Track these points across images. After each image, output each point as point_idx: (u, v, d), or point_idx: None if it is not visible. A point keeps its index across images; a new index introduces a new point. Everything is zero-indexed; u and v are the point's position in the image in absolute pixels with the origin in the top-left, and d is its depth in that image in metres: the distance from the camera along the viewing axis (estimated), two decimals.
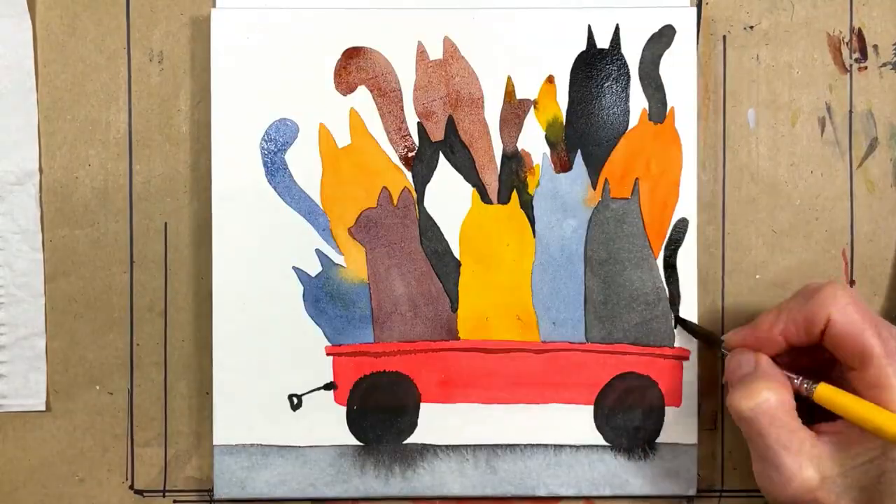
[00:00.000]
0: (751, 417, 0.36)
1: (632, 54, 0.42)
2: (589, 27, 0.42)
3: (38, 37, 0.43)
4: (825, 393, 0.36)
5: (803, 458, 0.36)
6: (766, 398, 0.36)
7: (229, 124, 0.42)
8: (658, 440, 0.43)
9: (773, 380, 0.37)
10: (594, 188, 0.43)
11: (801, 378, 0.38)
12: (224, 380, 0.42)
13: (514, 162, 0.43)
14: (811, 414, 0.37)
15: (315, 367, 0.42)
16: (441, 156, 0.43)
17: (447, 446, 0.43)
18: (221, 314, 0.42)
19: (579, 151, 0.43)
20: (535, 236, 0.43)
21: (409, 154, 0.43)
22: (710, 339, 0.42)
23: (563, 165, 0.43)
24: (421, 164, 0.43)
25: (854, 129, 0.44)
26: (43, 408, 0.43)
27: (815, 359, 0.39)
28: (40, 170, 0.43)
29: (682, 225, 0.43)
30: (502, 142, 0.43)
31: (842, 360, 0.37)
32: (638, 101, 0.43)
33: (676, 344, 0.43)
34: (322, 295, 0.42)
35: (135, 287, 0.43)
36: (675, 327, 0.43)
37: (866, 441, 0.36)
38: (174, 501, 0.44)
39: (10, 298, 0.43)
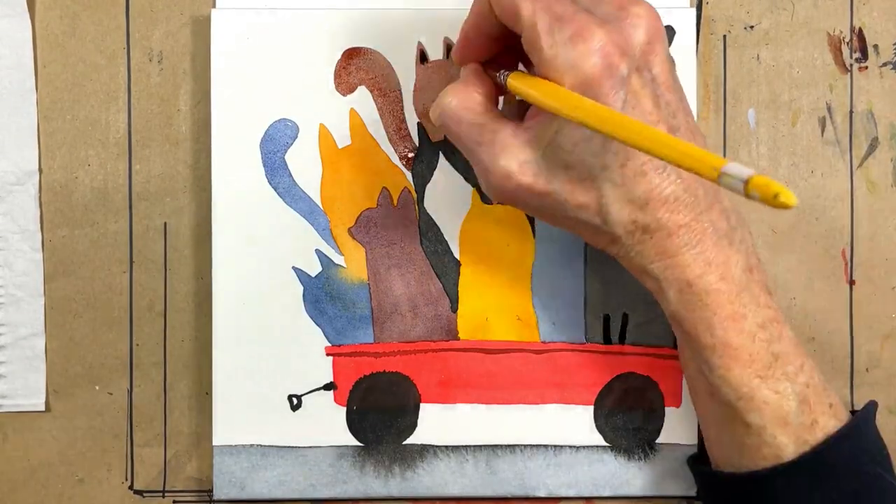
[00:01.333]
0: (441, 124, 0.36)
1: None
2: None
3: (38, 37, 0.43)
4: (514, 80, 0.34)
5: (496, 149, 0.34)
6: (450, 101, 0.35)
7: (229, 124, 0.42)
8: (658, 440, 0.43)
9: (461, 84, 0.36)
10: None
11: (501, 72, 0.36)
12: (224, 380, 0.42)
13: None
14: None
15: (315, 367, 0.42)
16: (441, 156, 0.43)
17: (447, 447, 0.43)
18: (221, 314, 0.42)
19: None
20: (535, 236, 0.43)
21: (409, 154, 0.43)
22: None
23: None
24: (421, 164, 0.43)
25: (854, 129, 0.44)
26: (43, 408, 0.43)
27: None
28: (40, 170, 0.43)
29: None
30: None
31: (512, 28, 0.34)
32: None
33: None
34: (322, 295, 0.42)
35: (135, 287, 0.43)
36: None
37: (553, 115, 0.33)
38: (174, 502, 0.44)
39: (9, 298, 0.43)
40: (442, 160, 0.43)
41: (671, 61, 0.35)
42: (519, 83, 0.34)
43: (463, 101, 0.35)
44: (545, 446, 0.43)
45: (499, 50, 0.37)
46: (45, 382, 0.43)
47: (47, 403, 0.43)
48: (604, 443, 0.43)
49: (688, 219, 0.34)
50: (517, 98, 0.36)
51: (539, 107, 0.33)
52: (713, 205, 0.35)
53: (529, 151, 0.34)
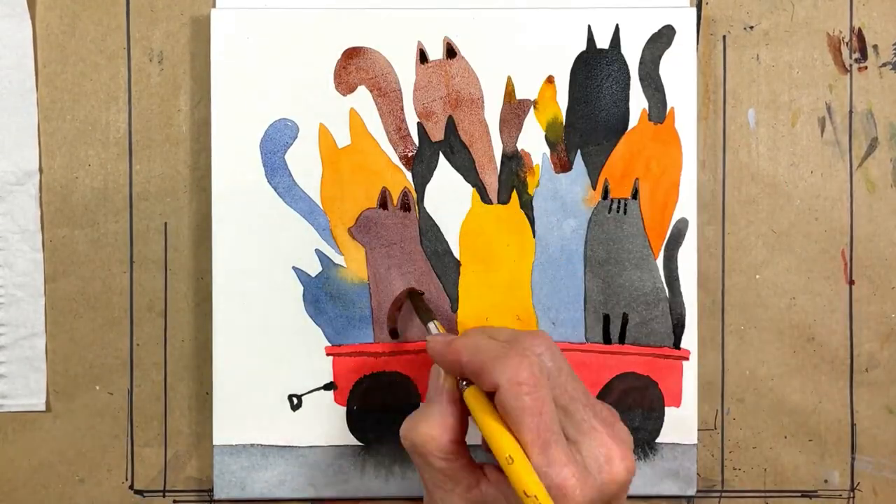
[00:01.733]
0: (408, 450, 0.36)
1: (632, 54, 0.42)
2: (589, 27, 0.42)
3: (38, 37, 0.43)
4: (469, 397, 0.35)
5: (450, 498, 0.35)
6: (423, 442, 0.36)
7: (229, 124, 0.42)
8: (658, 440, 0.43)
9: (439, 419, 0.36)
10: (594, 188, 0.43)
11: (463, 380, 0.36)
12: (224, 380, 0.42)
13: (514, 162, 0.43)
14: None
15: (315, 367, 0.42)
16: (441, 156, 0.43)
17: None
18: (221, 314, 0.42)
19: (579, 151, 0.43)
20: (535, 236, 0.43)
21: (409, 154, 0.43)
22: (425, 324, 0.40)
23: (563, 165, 0.43)
24: (421, 165, 0.43)
25: (854, 129, 0.44)
26: (43, 408, 0.43)
27: None
28: (40, 170, 0.43)
29: (682, 225, 0.43)
30: (502, 142, 0.43)
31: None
32: (638, 101, 0.43)
33: (681, 345, 0.43)
34: (322, 295, 0.42)
35: (135, 287, 0.43)
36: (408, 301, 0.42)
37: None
38: (174, 501, 0.44)
39: (9, 298, 0.43)
40: (442, 160, 0.43)
41: (625, 495, 0.36)
42: (474, 403, 0.35)
43: (436, 444, 0.36)
44: None
45: None
46: (46, 382, 0.43)
47: (47, 403, 0.43)
48: None
49: None
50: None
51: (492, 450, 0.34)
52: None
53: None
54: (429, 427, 0.36)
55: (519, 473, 0.33)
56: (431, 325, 0.40)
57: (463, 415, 0.36)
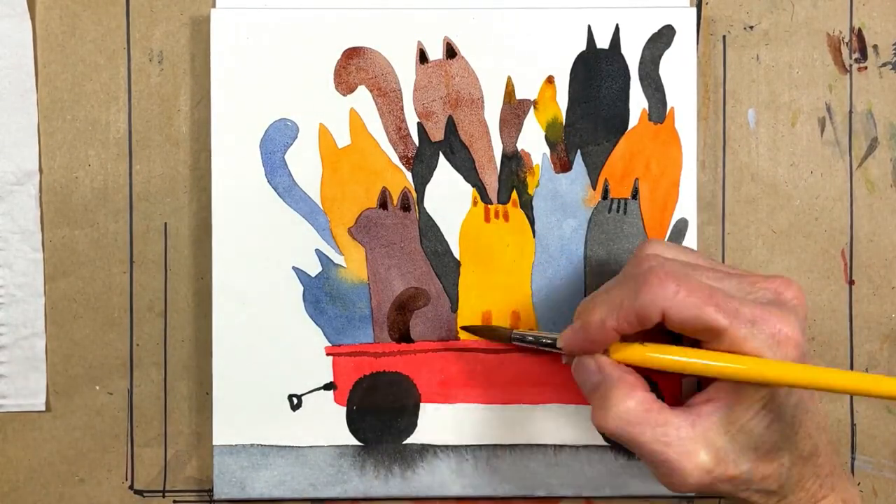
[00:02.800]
0: (619, 432, 0.35)
1: (632, 54, 0.42)
2: (589, 27, 0.42)
3: (38, 37, 0.43)
4: (618, 353, 0.36)
5: (688, 446, 0.34)
6: (626, 407, 0.34)
7: (229, 124, 0.42)
8: None
9: (622, 384, 0.35)
10: (594, 188, 0.43)
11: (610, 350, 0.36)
12: (224, 380, 0.42)
13: (514, 162, 0.43)
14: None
15: (315, 367, 0.42)
16: (441, 156, 0.43)
17: (447, 446, 0.43)
18: (221, 314, 0.42)
19: (579, 151, 0.43)
20: (535, 236, 0.43)
21: (409, 154, 0.43)
22: (548, 345, 0.40)
23: (563, 165, 0.43)
24: (421, 165, 0.43)
25: (854, 129, 0.44)
26: (43, 408, 0.43)
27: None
28: (40, 170, 0.43)
29: (682, 225, 0.43)
30: (502, 142, 0.43)
31: (692, 337, 0.35)
32: (638, 101, 0.43)
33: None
34: (322, 295, 0.42)
35: (135, 287, 0.43)
36: (511, 341, 0.41)
37: (746, 398, 0.34)
38: (174, 502, 0.44)
39: (9, 298, 0.43)
40: (442, 160, 0.43)
41: None
42: (690, 363, 0.35)
43: (639, 400, 0.35)
44: (545, 446, 0.43)
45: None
46: (46, 382, 0.43)
47: (47, 403, 0.43)
48: (604, 443, 0.43)
49: (832, 463, 0.37)
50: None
51: (744, 381, 0.34)
52: (836, 451, 0.38)
53: (718, 439, 0.35)
54: (621, 397, 0.35)
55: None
56: (518, 334, 0.40)
57: (638, 373, 0.36)
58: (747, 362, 0.34)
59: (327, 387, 0.42)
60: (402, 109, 0.43)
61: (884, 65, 0.44)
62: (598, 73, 0.43)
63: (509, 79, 0.42)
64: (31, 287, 0.43)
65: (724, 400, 0.35)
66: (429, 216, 0.43)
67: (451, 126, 0.43)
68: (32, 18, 0.43)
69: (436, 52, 0.42)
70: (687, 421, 0.35)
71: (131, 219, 0.43)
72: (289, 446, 0.42)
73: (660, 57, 0.43)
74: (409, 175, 0.43)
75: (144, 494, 0.44)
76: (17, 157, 0.43)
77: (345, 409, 0.43)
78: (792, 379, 0.33)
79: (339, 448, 0.43)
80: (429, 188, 0.43)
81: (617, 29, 0.42)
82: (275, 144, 0.42)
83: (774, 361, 0.34)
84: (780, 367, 0.33)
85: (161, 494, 0.44)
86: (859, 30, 0.44)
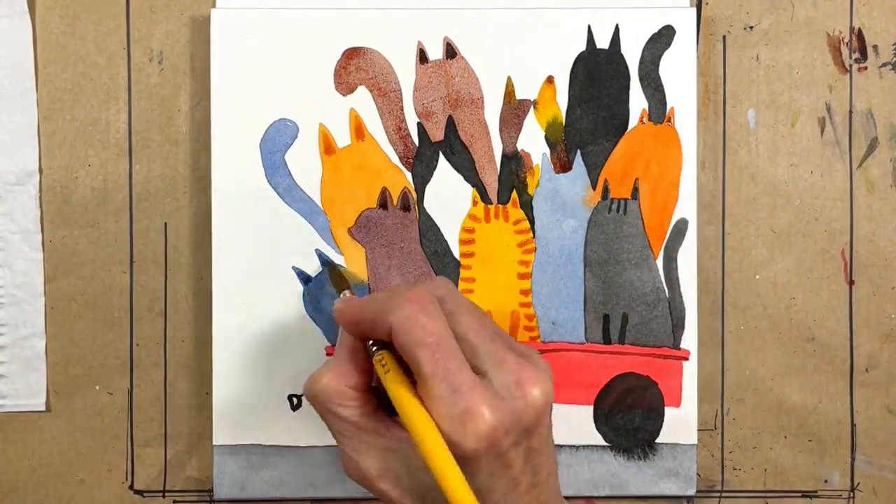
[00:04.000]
0: (311, 403, 0.36)
1: (631, 55, 0.42)
2: (589, 27, 0.42)
3: (38, 37, 0.43)
4: (377, 363, 0.34)
5: (361, 448, 0.35)
6: (321, 389, 0.35)
7: (229, 124, 0.42)
8: (658, 440, 0.43)
9: (335, 369, 0.35)
10: (594, 188, 0.43)
11: (373, 342, 0.35)
12: (224, 380, 0.42)
13: (514, 162, 0.43)
14: None
15: (315, 367, 0.42)
16: (441, 156, 0.43)
17: None
18: (221, 314, 0.42)
19: (579, 151, 0.43)
20: (534, 236, 0.43)
21: (409, 154, 0.43)
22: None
23: (563, 165, 0.43)
24: (421, 165, 0.43)
25: (854, 129, 0.44)
26: (43, 408, 0.43)
27: None
28: (40, 170, 0.43)
29: (682, 225, 0.43)
30: (502, 142, 0.43)
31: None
32: (638, 101, 0.43)
33: (681, 345, 0.43)
34: (322, 295, 0.42)
35: (135, 287, 0.43)
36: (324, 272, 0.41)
37: None
38: (174, 502, 0.44)
39: (9, 298, 0.43)
40: (442, 160, 0.43)
41: (550, 426, 0.35)
42: (379, 369, 0.34)
43: (333, 390, 0.35)
44: None
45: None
46: (46, 382, 0.43)
47: (47, 403, 0.43)
48: (603, 443, 0.43)
49: None
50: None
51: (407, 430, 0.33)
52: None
53: (393, 462, 0.34)
54: (328, 378, 0.35)
55: (416, 425, 0.31)
56: (343, 294, 0.39)
57: (366, 367, 0.36)
58: (415, 418, 0.32)
59: None
60: (402, 109, 0.43)
61: (884, 65, 0.44)
62: (598, 73, 0.43)
63: (509, 79, 0.42)
64: (31, 287, 0.43)
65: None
66: (429, 216, 0.43)
67: (451, 126, 0.43)
68: (32, 18, 0.43)
69: (436, 52, 0.42)
70: (375, 431, 0.35)
71: (131, 219, 0.43)
72: (289, 446, 0.42)
73: (660, 57, 0.43)
74: (409, 175, 0.43)
75: (144, 494, 0.44)
76: (17, 157, 0.43)
77: None
78: (431, 467, 0.31)
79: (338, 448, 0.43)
80: (429, 188, 0.43)
81: (617, 29, 0.42)
82: (275, 144, 0.42)
83: (431, 436, 0.31)
84: (431, 445, 0.31)
85: (161, 494, 0.44)
86: (859, 30, 0.44)
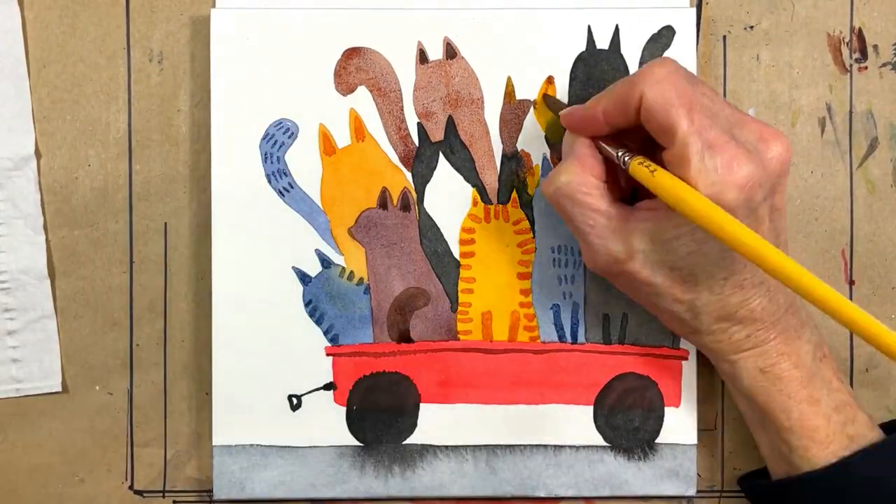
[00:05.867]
0: (552, 200, 0.38)
1: (632, 55, 0.42)
2: (589, 28, 0.42)
3: (39, 37, 0.43)
4: (637, 166, 0.35)
5: (607, 233, 0.36)
6: (567, 181, 0.37)
7: (229, 124, 0.42)
8: (657, 440, 0.43)
9: (577, 162, 0.37)
10: None
11: (622, 151, 0.37)
12: (224, 380, 0.42)
13: (514, 162, 0.43)
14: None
15: (315, 367, 0.42)
16: (441, 156, 0.43)
17: (447, 447, 0.43)
18: (221, 314, 0.42)
19: None
20: (534, 236, 0.43)
21: (409, 154, 0.43)
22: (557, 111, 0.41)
23: None
24: (421, 165, 0.43)
25: (854, 129, 0.44)
26: (59, 388, 0.43)
27: (645, 143, 0.37)
28: (37, 154, 0.43)
29: None
30: (502, 142, 0.43)
31: (655, 138, 0.36)
32: None
33: (681, 345, 0.43)
34: (322, 295, 0.42)
35: (135, 287, 0.43)
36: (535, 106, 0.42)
37: (676, 218, 0.35)
38: (174, 502, 0.44)
39: (15, 283, 0.43)
40: (442, 160, 0.43)
41: (785, 189, 0.37)
42: (645, 175, 0.35)
43: (578, 181, 0.37)
44: (545, 446, 0.43)
45: (616, 132, 0.38)
46: (60, 363, 0.43)
47: (63, 384, 0.43)
48: (603, 443, 0.43)
49: (767, 322, 0.37)
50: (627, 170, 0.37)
51: (670, 206, 0.34)
52: (789, 308, 0.38)
53: (640, 242, 0.36)
54: (573, 170, 0.37)
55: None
56: (550, 99, 0.42)
57: (601, 159, 0.37)
58: (670, 181, 0.34)
59: (327, 387, 0.42)
60: (402, 109, 0.43)
61: (884, 65, 0.44)
62: (598, 73, 0.42)
63: (509, 79, 0.42)
64: (35, 271, 0.43)
65: (660, 212, 0.36)
66: (429, 216, 0.43)
67: (451, 126, 0.43)
68: (21, 5, 0.42)
69: (436, 52, 0.42)
70: (620, 216, 0.37)
71: (131, 219, 0.43)
72: (289, 446, 0.42)
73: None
74: (409, 175, 0.43)
75: (144, 494, 0.44)
76: (13, 143, 0.43)
77: (344, 409, 0.43)
78: (700, 218, 0.33)
79: (338, 448, 0.43)
80: (429, 188, 0.43)
81: (617, 29, 0.42)
82: (275, 144, 0.42)
83: (694, 195, 0.33)
84: (697, 202, 0.33)
85: (161, 494, 0.44)
86: (859, 30, 0.44)
